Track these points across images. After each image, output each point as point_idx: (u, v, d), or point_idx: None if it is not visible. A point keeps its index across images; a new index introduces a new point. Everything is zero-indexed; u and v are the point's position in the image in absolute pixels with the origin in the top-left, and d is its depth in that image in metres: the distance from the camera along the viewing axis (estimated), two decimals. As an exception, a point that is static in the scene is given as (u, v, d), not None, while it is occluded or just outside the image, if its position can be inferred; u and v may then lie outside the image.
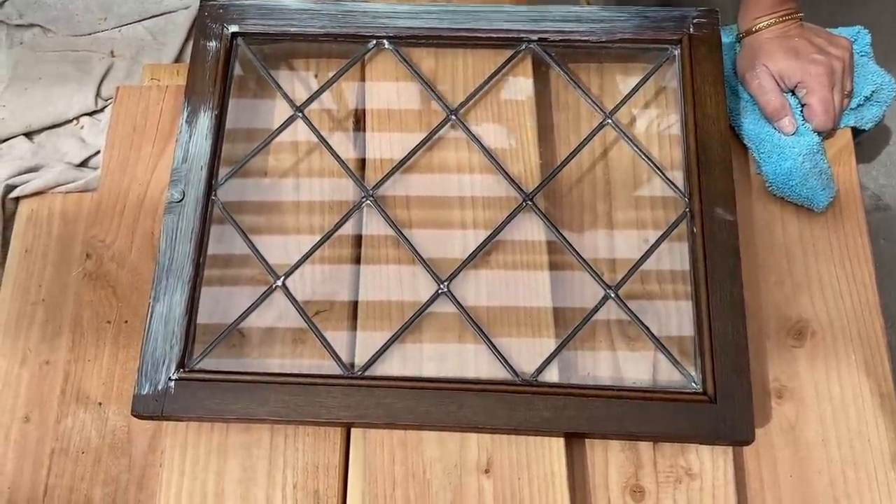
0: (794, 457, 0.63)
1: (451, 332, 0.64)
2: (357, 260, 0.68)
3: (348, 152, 0.72)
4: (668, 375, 0.63)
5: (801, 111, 0.71)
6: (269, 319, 0.66)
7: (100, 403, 0.66)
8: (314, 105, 0.71)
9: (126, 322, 0.69)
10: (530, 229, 0.67)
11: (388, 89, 0.73)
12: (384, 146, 0.71)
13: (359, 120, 0.73)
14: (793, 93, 0.72)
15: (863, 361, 0.66)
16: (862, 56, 0.75)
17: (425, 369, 0.63)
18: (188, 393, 0.60)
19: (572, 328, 0.63)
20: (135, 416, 0.60)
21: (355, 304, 0.66)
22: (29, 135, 0.83)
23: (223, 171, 0.68)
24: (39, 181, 0.78)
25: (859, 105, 0.73)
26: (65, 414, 0.66)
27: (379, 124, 0.72)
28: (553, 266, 0.66)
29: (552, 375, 0.62)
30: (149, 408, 0.60)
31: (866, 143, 0.86)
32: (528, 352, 0.63)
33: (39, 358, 0.71)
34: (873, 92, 0.73)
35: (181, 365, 0.61)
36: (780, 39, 0.71)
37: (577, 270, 0.66)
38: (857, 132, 0.75)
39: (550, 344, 0.63)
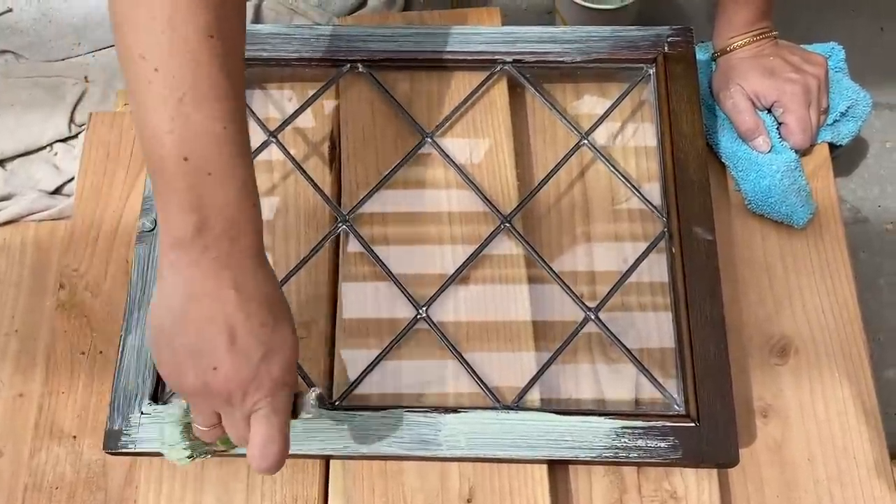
0: (780, 476, 0.62)
1: (432, 350, 0.64)
2: (334, 279, 0.67)
3: (324, 174, 0.71)
4: (651, 394, 0.63)
5: (778, 129, 0.72)
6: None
7: (74, 437, 0.65)
8: (289, 127, 0.71)
9: (101, 353, 0.68)
10: (509, 246, 0.66)
11: (363, 111, 0.72)
12: (360, 168, 0.70)
13: (334, 142, 0.73)
14: (769, 111, 0.72)
15: (846, 378, 0.65)
16: (837, 72, 0.76)
17: (405, 390, 0.62)
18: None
19: (553, 344, 0.62)
20: (107, 451, 0.59)
21: (333, 324, 0.65)
22: (1, 162, 0.82)
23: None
24: (12, 209, 0.77)
25: (835, 121, 0.74)
26: (38, 448, 0.65)
27: (354, 146, 0.71)
28: (532, 280, 0.66)
29: (534, 398, 0.61)
30: (121, 443, 0.58)
31: (844, 156, 0.87)
32: (510, 369, 0.63)
33: (13, 391, 0.69)
34: (849, 108, 0.74)
35: (154, 398, 0.60)
36: (754, 59, 0.71)
37: (556, 286, 0.65)
38: (833, 146, 0.75)
39: (531, 360, 0.62)
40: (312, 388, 0.50)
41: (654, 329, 0.65)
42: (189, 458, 0.51)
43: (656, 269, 0.67)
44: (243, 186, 0.45)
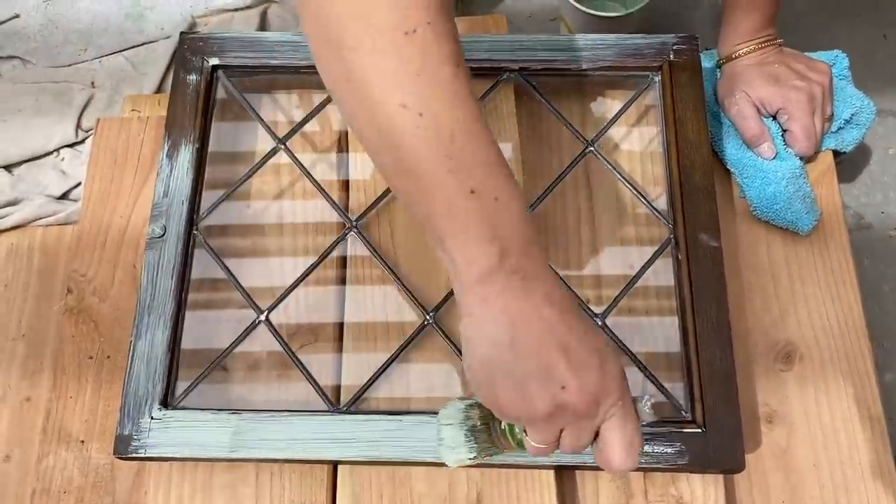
0: (785, 482, 0.63)
1: (439, 355, 0.64)
2: (342, 284, 0.67)
3: (332, 178, 0.71)
4: (658, 399, 0.63)
5: (783, 136, 0.72)
6: (253, 352, 0.65)
7: (82, 441, 0.65)
8: (297, 134, 0.71)
9: (108, 357, 0.68)
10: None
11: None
12: (367, 172, 0.71)
13: (342, 146, 0.73)
14: (774, 118, 0.72)
15: (851, 384, 0.66)
16: (841, 80, 0.76)
17: (413, 395, 0.63)
18: (171, 432, 0.59)
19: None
20: (117, 456, 0.59)
21: (341, 329, 0.66)
22: (8, 167, 0.83)
23: (206, 198, 0.68)
24: (19, 214, 0.77)
25: (839, 128, 0.74)
26: (46, 452, 0.65)
27: (362, 153, 0.71)
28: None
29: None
30: (131, 448, 0.59)
31: (848, 163, 0.87)
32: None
33: (20, 395, 0.70)
34: (853, 115, 0.74)
35: (164, 403, 0.60)
36: (759, 66, 0.72)
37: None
38: (837, 153, 0.75)
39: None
40: (646, 395, 0.48)
41: (660, 334, 0.66)
42: (473, 458, 0.48)
43: (662, 275, 0.67)
44: (523, 202, 0.44)
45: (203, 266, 0.67)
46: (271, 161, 0.70)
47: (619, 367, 0.45)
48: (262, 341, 0.65)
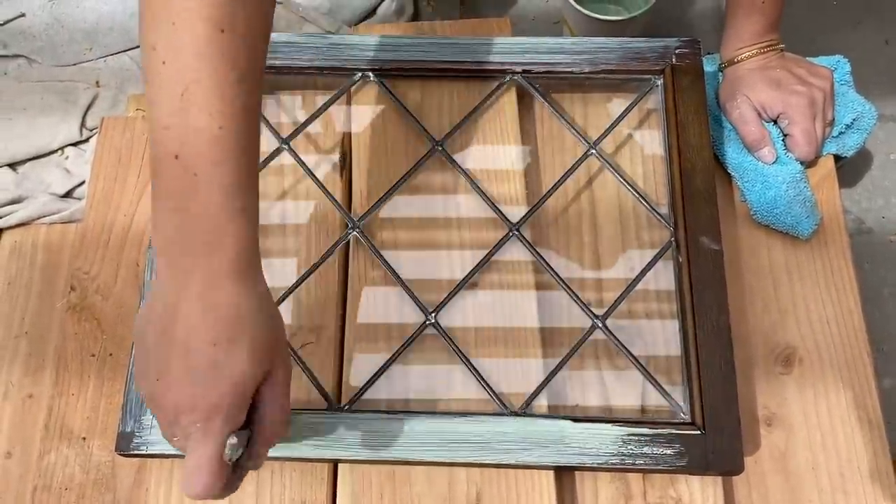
0: (784, 485, 0.63)
1: (440, 356, 0.64)
2: (344, 285, 0.68)
3: (335, 180, 0.72)
4: (657, 402, 0.63)
5: (784, 141, 0.72)
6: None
7: (83, 438, 0.66)
8: (301, 134, 0.71)
9: (111, 355, 0.68)
10: (517, 252, 0.67)
11: (374, 119, 0.73)
12: (370, 174, 0.71)
13: (345, 148, 0.73)
14: (775, 122, 0.73)
15: (850, 388, 0.66)
16: (842, 85, 0.76)
17: (413, 395, 0.63)
18: (173, 429, 0.59)
19: (560, 351, 0.63)
20: (119, 453, 0.59)
21: (343, 329, 0.66)
22: (13, 165, 0.83)
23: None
24: (23, 212, 0.77)
25: (840, 133, 0.74)
26: (48, 449, 0.65)
27: (365, 152, 0.72)
28: (540, 288, 0.67)
29: (541, 404, 0.62)
30: (133, 445, 0.59)
31: (848, 168, 0.88)
32: (517, 375, 0.63)
33: (22, 392, 0.70)
34: (854, 120, 0.74)
35: (166, 401, 0.60)
36: (761, 70, 0.72)
37: (563, 293, 0.66)
38: (838, 157, 0.76)
39: (539, 365, 0.63)
40: (239, 432, 0.44)
41: (661, 337, 0.66)
42: None
43: (663, 278, 0.67)
44: (230, 194, 0.42)
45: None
46: (274, 162, 0.71)
47: (223, 394, 0.42)
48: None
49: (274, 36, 0.72)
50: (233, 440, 0.43)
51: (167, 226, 0.42)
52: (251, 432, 0.45)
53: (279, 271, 0.68)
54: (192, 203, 0.42)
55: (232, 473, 0.45)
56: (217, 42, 0.42)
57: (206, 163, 0.41)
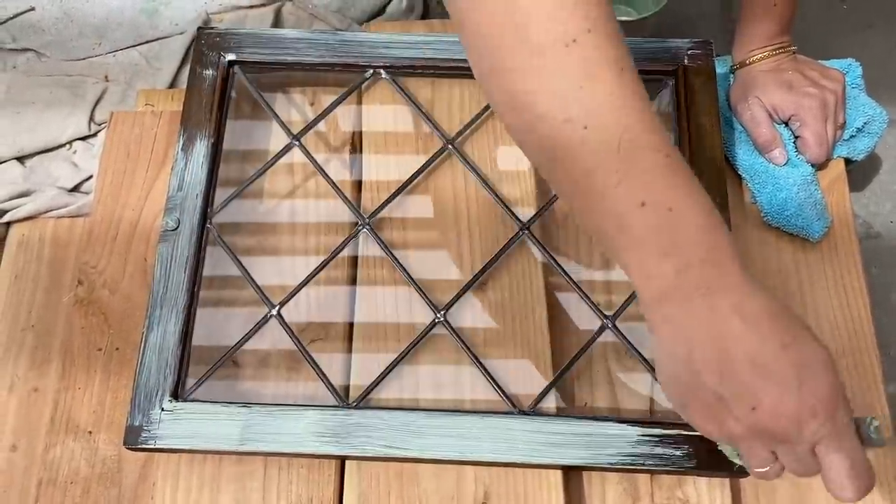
0: (792, 489, 0.63)
1: (448, 355, 0.64)
2: (353, 283, 0.67)
3: (345, 177, 0.72)
4: (665, 405, 0.63)
5: (795, 143, 0.72)
6: (263, 347, 0.65)
7: (89, 432, 0.65)
8: (311, 131, 0.71)
9: (117, 349, 0.68)
10: (528, 253, 0.67)
11: (384, 116, 0.73)
12: (380, 171, 0.71)
13: (355, 145, 0.73)
14: (786, 124, 0.73)
15: (859, 391, 0.66)
16: (853, 88, 0.76)
17: (421, 394, 0.63)
18: (181, 424, 0.59)
19: (570, 351, 0.63)
20: (127, 447, 0.59)
21: (351, 327, 0.66)
22: (21, 159, 0.83)
23: (219, 194, 0.68)
24: (31, 206, 0.77)
25: (851, 136, 0.74)
26: (53, 443, 0.65)
27: (375, 150, 0.72)
28: (550, 288, 0.66)
29: (549, 404, 0.61)
30: (141, 439, 0.59)
31: (857, 172, 0.87)
32: (526, 375, 0.63)
33: (28, 385, 0.70)
34: (865, 123, 0.74)
35: (175, 395, 0.60)
36: (773, 72, 0.72)
37: (573, 293, 0.65)
38: (848, 161, 0.76)
39: (548, 367, 0.63)
40: (870, 417, 0.43)
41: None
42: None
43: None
44: (706, 208, 0.41)
45: (214, 263, 0.67)
46: (284, 160, 0.70)
47: (828, 383, 0.40)
48: (272, 339, 0.65)
49: (285, 32, 0.73)
50: (869, 418, 0.42)
51: (659, 274, 0.41)
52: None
53: (289, 270, 0.68)
54: (680, 236, 0.40)
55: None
56: (623, 83, 0.40)
57: (676, 193, 0.40)
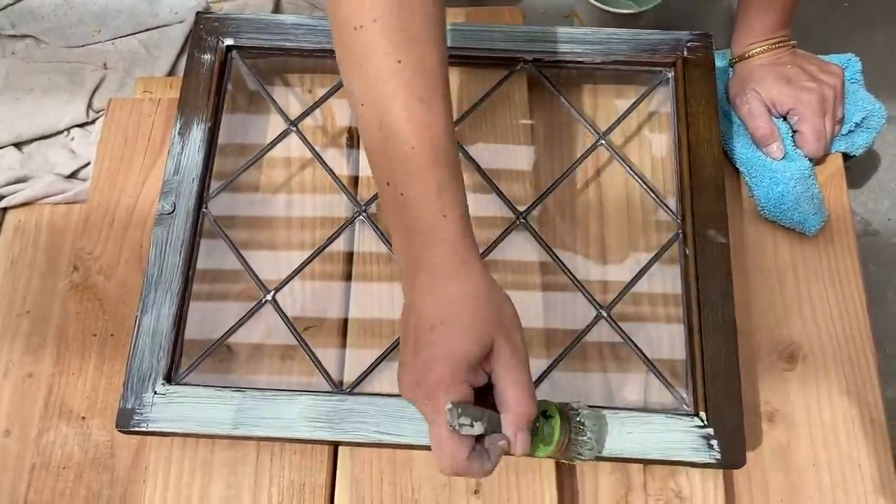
0: (785, 480, 0.63)
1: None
2: (348, 276, 0.67)
3: (341, 169, 0.71)
4: (660, 397, 0.63)
5: (793, 137, 0.72)
6: (257, 334, 0.65)
7: (83, 417, 0.65)
8: (308, 121, 0.71)
9: (112, 335, 0.68)
10: (523, 248, 0.67)
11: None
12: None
13: (352, 136, 0.73)
14: (784, 118, 0.72)
15: (854, 386, 0.66)
16: (852, 83, 0.76)
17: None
18: (174, 407, 0.59)
19: (563, 344, 0.63)
20: (119, 430, 0.59)
21: (345, 320, 0.66)
22: (18, 145, 0.83)
23: (215, 185, 0.68)
24: (28, 192, 0.77)
25: (850, 131, 0.74)
26: (47, 428, 0.65)
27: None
28: (545, 285, 0.66)
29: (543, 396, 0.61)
30: (133, 422, 0.59)
31: (855, 169, 0.87)
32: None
33: (22, 370, 0.69)
34: (864, 118, 0.74)
35: (168, 379, 0.60)
36: (772, 66, 0.72)
37: (569, 290, 0.65)
38: (846, 157, 0.76)
39: (542, 363, 0.62)
40: (471, 406, 0.44)
41: (666, 339, 0.65)
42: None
43: (669, 280, 0.67)
44: (431, 200, 0.46)
45: (209, 253, 0.67)
46: (281, 153, 0.70)
47: (445, 366, 0.44)
48: (266, 327, 0.65)
49: (283, 17, 0.72)
50: (449, 405, 0.43)
51: (396, 247, 0.49)
52: (495, 413, 0.46)
53: (284, 256, 0.68)
54: (408, 219, 0.47)
55: (480, 451, 0.45)
56: (398, 73, 0.46)
57: (407, 181, 0.46)
